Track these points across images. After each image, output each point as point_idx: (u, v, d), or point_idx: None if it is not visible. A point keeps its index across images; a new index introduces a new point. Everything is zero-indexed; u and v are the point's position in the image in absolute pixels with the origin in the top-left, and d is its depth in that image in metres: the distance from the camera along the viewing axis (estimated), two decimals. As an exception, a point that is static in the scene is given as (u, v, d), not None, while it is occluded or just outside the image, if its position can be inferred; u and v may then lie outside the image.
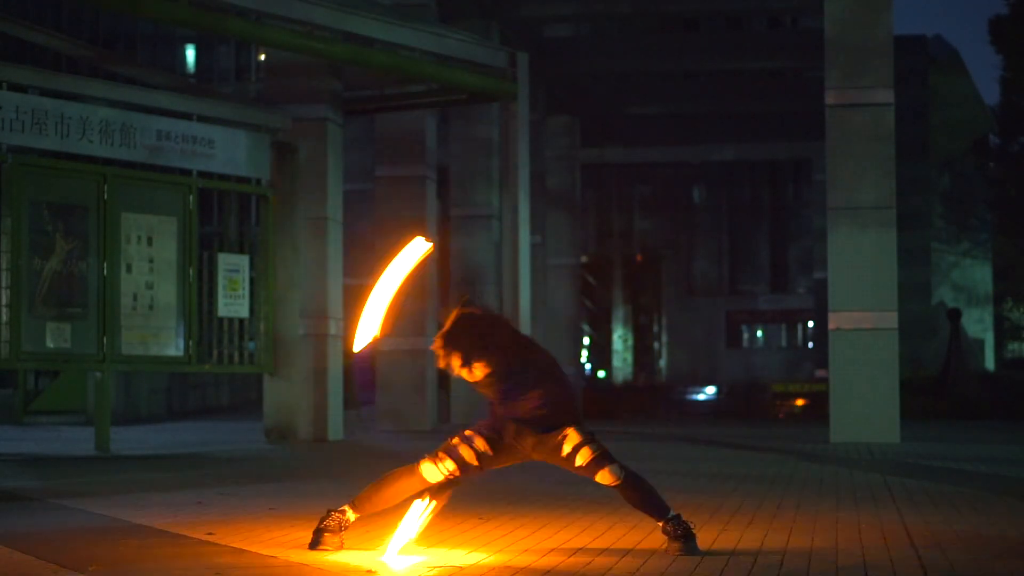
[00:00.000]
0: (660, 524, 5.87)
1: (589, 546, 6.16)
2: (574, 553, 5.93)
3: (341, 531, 5.98)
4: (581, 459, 5.86)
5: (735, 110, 33.11)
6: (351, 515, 5.97)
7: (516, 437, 5.93)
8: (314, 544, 5.96)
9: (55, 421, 21.93)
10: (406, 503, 5.96)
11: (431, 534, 6.58)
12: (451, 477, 5.92)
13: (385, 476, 6.00)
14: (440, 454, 5.93)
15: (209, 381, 28.23)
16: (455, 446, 5.93)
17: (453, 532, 6.68)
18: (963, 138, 58.16)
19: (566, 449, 5.88)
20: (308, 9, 15.63)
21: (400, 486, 5.96)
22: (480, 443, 5.92)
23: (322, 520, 5.99)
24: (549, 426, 5.90)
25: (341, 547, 5.96)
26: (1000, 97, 38.35)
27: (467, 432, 5.99)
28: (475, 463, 5.92)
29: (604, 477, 5.87)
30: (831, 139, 16.74)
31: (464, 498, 8.51)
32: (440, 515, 7.42)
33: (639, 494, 5.92)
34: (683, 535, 5.81)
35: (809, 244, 45.38)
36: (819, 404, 26.70)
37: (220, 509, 7.84)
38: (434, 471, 5.91)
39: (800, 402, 31.57)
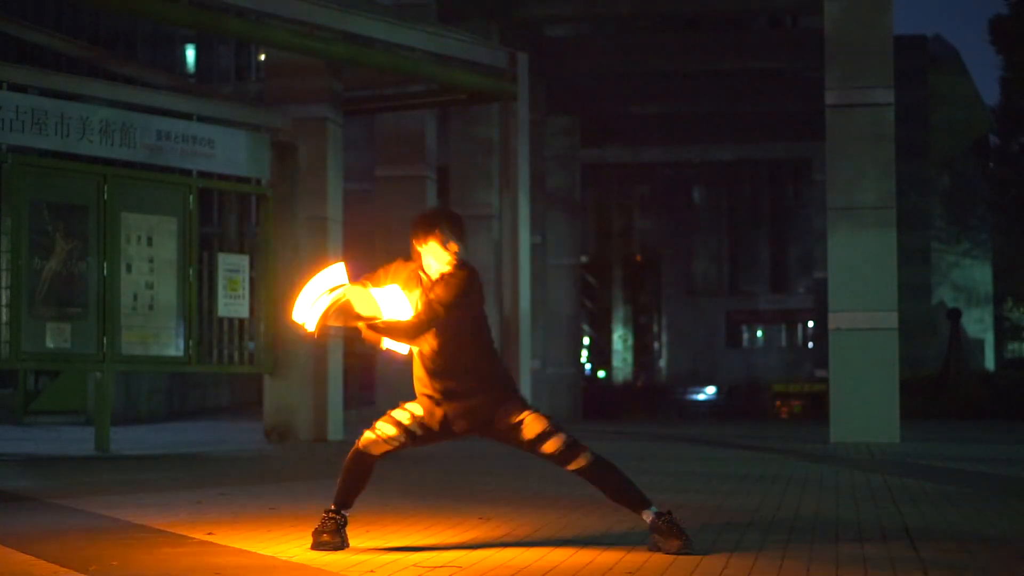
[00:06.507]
0: (649, 522, 5.86)
1: (589, 546, 6.15)
2: (574, 552, 5.93)
3: (340, 530, 5.98)
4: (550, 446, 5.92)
5: (735, 110, 33.09)
6: (343, 512, 6.00)
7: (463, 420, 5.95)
8: (316, 546, 5.96)
9: (55, 421, 21.92)
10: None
11: (432, 534, 6.59)
12: (395, 443, 5.97)
13: (343, 469, 6.07)
14: (375, 424, 6.03)
15: (209, 381, 28.22)
16: (389, 413, 6.05)
17: (453, 532, 6.68)
18: (963, 138, 58.14)
19: (528, 432, 5.91)
20: (308, 9, 15.64)
21: (358, 470, 6.04)
22: (413, 405, 6.02)
23: (321, 523, 6.00)
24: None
25: (342, 546, 5.96)
26: (1000, 97, 38.43)
27: (400, 403, 6.11)
28: (412, 421, 5.97)
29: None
30: (831, 139, 16.74)
31: (464, 498, 8.53)
32: (440, 515, 7.44)
33: (603, 479, 5.97)
34: (679, 532, 5.79)
35: (809, 244, 45.39)
36: (819, 404, 26.72)
37: (220, 509, 7.84)
38: (376, 441, 5.98)
39: (800, 402, 31.57)
